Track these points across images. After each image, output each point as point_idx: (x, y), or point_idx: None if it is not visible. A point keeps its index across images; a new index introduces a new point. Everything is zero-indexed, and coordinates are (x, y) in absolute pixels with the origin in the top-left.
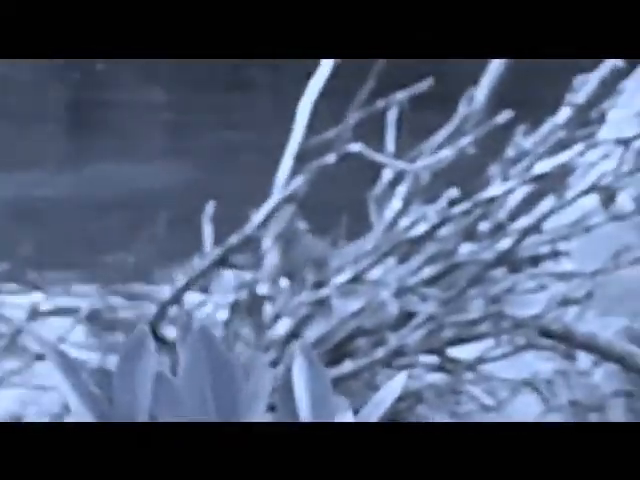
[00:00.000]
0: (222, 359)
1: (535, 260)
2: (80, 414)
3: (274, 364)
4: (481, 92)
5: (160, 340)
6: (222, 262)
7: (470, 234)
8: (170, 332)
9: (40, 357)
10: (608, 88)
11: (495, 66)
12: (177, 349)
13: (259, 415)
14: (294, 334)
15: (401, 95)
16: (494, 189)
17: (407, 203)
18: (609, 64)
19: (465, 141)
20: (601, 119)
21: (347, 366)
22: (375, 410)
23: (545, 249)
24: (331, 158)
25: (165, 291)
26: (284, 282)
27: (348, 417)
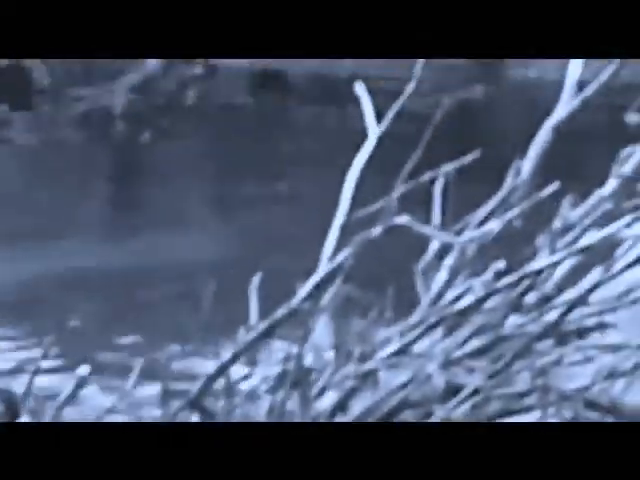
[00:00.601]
0: None
1: (582, 332)
2: None
3: None
4: (528, 164)
5: (204, 414)
6: (268, 335)
7: (517, 306)
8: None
9: None
10: None
11: (542, 138)
12: None
13: None
14: (340, 407)
15: (447, 167)
16: (541, 261)
17: (454, 275)
18: None
19: (512, 213)
20: None
21: None
22: None
23: (592, 321)
24: (377, 230)
25: (210, 364)
26: (330, 354)
27: None
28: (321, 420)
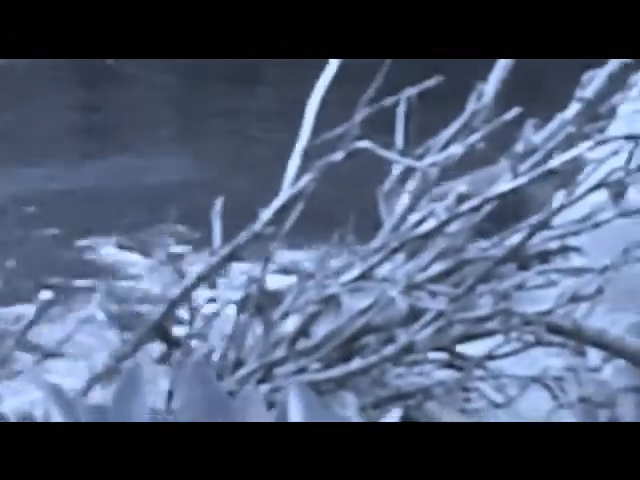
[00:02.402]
0: (217, 395)
1: (544, 256)
2: None
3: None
4: (490, 88)
5: (168, 339)
6: (231, 259)
7: (479, 230)
8: (178, 330)
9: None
10: (617, 83)
11: (504, 62)
12: (172, 385)
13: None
14: (302, 331)
15: (410, 91)
16: (503, 185)
17: (416, 199)
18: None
19: (474, 137)
20: (611, 114)
21: (356, 363)
22: None
23: (554, 245)
24: (339, 155)
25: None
26: (294, 278)
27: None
28: (283, 345)
